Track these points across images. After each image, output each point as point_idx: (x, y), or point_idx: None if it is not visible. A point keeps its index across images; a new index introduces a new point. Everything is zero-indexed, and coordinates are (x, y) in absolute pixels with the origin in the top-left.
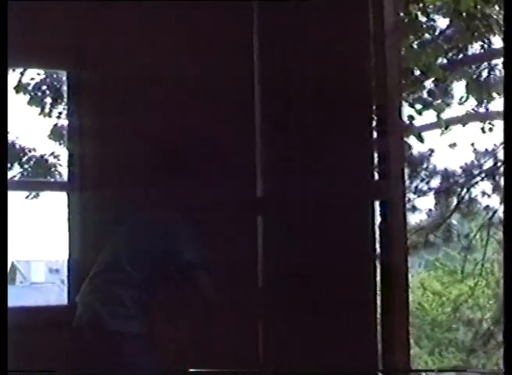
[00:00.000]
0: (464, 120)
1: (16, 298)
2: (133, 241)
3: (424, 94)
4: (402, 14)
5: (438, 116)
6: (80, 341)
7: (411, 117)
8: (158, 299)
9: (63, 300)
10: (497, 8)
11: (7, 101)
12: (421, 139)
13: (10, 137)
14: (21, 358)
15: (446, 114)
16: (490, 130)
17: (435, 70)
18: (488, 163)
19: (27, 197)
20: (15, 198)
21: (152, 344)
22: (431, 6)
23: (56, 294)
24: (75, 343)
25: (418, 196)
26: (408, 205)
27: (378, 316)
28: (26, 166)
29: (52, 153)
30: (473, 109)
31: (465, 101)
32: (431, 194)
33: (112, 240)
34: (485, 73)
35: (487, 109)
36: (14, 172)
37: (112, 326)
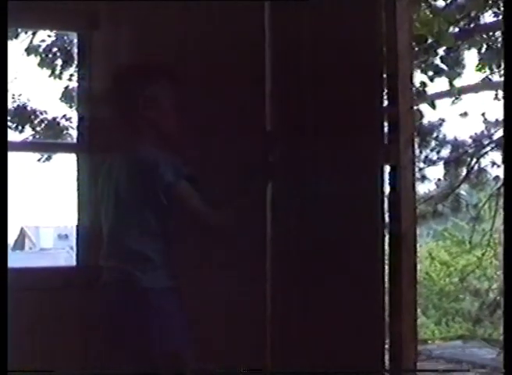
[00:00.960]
0: (476, 89)
1: (25, 263)
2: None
3: (437, 61)
4: None
5: (450, 82)
6: (109, 302)
7: (423, 84)
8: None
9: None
10: None
11: (7, 101)
12: (433, 106)
13: (22, 99)
14: (33, 318)
15: (458, 83)
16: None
17: (447, 38)
18: (499, 133)
19: (39, 160)
20: (27, 160)
21: (181, 296)
22: None
23: (65, 260)
24: (104, 305)
25: (428, 165)
26: (418, 175)
27: (387, 285)
28: (37, 129)
29: (64, 116)
30: (487, 77)
31: (479, 69)
32: (440, 164)
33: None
34: (498, 42)
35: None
36: (26, 134)
37: (143, 283)
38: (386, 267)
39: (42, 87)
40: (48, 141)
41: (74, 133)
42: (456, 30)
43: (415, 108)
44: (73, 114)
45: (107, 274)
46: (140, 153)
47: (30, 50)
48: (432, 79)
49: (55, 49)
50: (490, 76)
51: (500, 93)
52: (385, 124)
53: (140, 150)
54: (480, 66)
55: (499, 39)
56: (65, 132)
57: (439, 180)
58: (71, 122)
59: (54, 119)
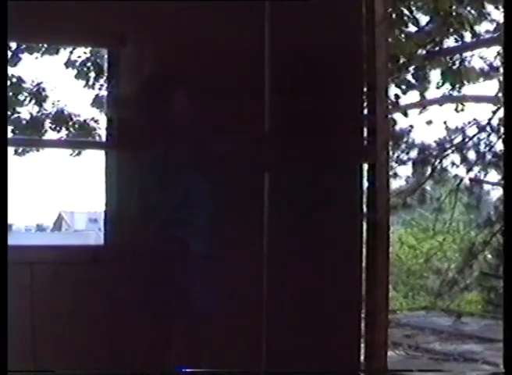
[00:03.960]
0: (440, 101)
1: (62, 242)
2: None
3: (409, 77)
4: (390, 9)
5: (422, 95)
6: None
7: (397, 96)
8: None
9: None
10: (468, 8)
11: (6, 102)
12: (405, 114)
13: (60, 105)
14: (67, 289)
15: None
16: (462, 110)
17: (417, 59)
18: (458, 139)
19: (71, 154)
20: (62, 155)
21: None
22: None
23: (94, 239)
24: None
25: (399, 165)
26: (390, 172)
27: (364, 265)
28: (71, 129)
29: (93, 118)
30: (448, 92)
31: (441, 85)
32: (409, 164)
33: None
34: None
35: (459, 93)
36: (62, 134)
37: (190, 247)
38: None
39: (77, 95)
40: (83, 139)
41: (101, 132)
42: (424, 52)
43: (390, 116)
44: (101, 117)
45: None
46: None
47: (69, 64)
48: (404, 92)
49: (89, 64)
50: (451, 92)
51: (460, 106)
52: (365, 129)
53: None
54: (441, 83)
55: (457, 61)
56: (93, 132)
57: (408, 177)
58: (98, 123)
59: (84, 120)
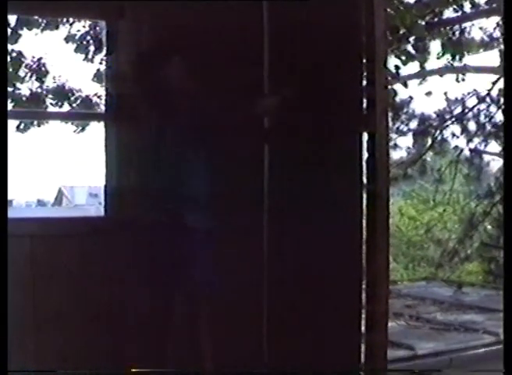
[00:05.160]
0: (440, 72)
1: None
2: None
3: (409, 48)
4: None
5: (421, 66)
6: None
7: (397, 67)
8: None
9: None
10: None
11: (6, 99)
12: (405, 85)
13: (61, 80)
14: (70, 259)
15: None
16: (463, 80)
17: (418, 29)
18: (458, 109)
19: (75, 131)
20: (64, 131)
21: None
22: None
23: (95, 213)
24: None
25: (399, 136)
26: (391, 144)
27: (364, 235)
28: (73, 105)
29: (95, 93)
30: (449, 62)
31: (442, 56)
32: (409, 135)
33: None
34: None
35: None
36: (64, 109)
37: (189, 222)
38: (364, 221)
39: (78, 70)
40: (83, 111)
41: (103, 107)
42: (423, 23)
43: (390, 87)
44: (103, 92)
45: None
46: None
47: (68, 38)
48: (404, 63)
49: (88, 38)
50: (452, 62)
51: (460, 76)
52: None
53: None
54: (441, 53)
55: (457, 32)
56: (96, 107)
57: (409, 148)
58: (101, 99)
59: (87, 96)
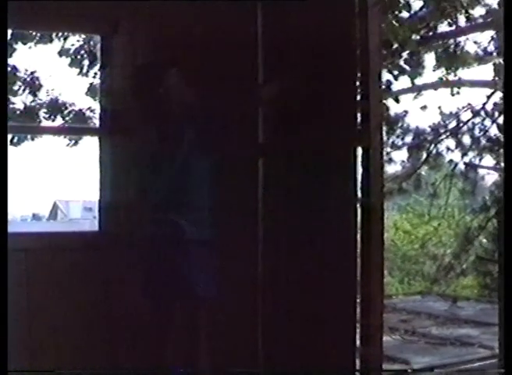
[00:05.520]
0: (434, 86)
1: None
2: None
3: (401, 63)
4: None
5: (412, 81)
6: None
7: (389, 82)
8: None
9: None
10: None
11: (6, 102)
12: (397, 101)
13: (54, 93)
14: (64, 273)
15: (419, 81)
16: (458, 93)
17: (410, 44)
18: (452, 124)
19: (68, 144)
20: (57, 145)
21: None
22: None
23: (89, 227)
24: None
25: (394, 150)
26: (385, 158)
27: (358, 250)
28: (67, 119)
29: (89, 107)
30: (444, 76)
31: (437, 69)
32: (404, 149)
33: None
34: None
35: (455, 76)
36: (57, 123)
37: (188, 234)
38: (358, 235)
39: (72, 84)
40: (77, 125)
41: (97, 122)
42: (418, 37)
43: (383, 102)
44: (97, 106)
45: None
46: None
47: (63, 52)
48: (396, 78)
49: (82, 52)
50: (446, 76)
51: (455, 90)
52: (358, 114)
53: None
54: (436, 66)
55: (452, 45)
56: (89, 121)
57: (403, 162)
58: (94, 113)
59: (80, 110)
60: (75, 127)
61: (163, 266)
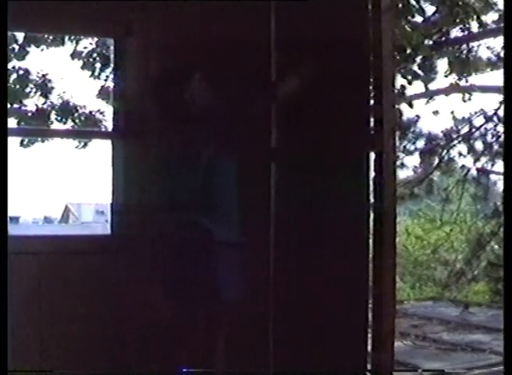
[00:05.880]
0: (446, 91)
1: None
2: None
3: (415, 68)
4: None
5: (426, 86)
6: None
7: (403, 87)
8: None
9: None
10: None
11: (6, 100)
12: (410, 105)
13: (66, 96)
14: (76, 279)
15: (432, 86)
16: (469, 99)
17: (423, 49)
18: (465, 129)
19: (77, 146)
20: (68, 148)
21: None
22: None
23: (101, 231)
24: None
25: (406, 155)
26: (398, 163)
27: (371, 255)
28: (77, 121)
29: (99, 110)
30: (455, 82)
31: (449, 74)
32: (416, 154)
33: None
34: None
35: (467, 82)
36: (67, 125)
37: (216, 236)
38: (370, 240)
39: (83, 86)
40: (90, 129)
41: (107, 124)
42: (431, 42)
43: (396, 107)
44: (107, 109)
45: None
46: None
47: (75, 55)
48: (410, 83)
49: (94, 54)
50: (458, 81)
51: (467, 95)
52: (372, 119)
53: None
54: (448, 72)
55: (465, 51)
56: (100, 124)
57: (415, 167)
58: (104, 115)
59: (90, 112)
60: (88, 131)
61: (180, 267)
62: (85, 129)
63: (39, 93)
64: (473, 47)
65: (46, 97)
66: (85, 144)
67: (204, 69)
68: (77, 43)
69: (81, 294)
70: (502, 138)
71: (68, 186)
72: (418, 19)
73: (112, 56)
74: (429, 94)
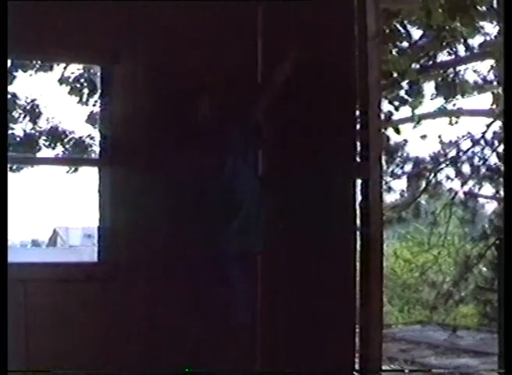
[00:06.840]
0: (433, 115)
1: (57, 257)
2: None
3: (401, 93)
4: (383, 25)
5: (412, 111)
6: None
7: (390, 112)
8: None
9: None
10: (459, 24)
11: (6, 103)
12: (397, 131)
13: (54, 122)
14: (62, 306)
15: (419, 110)
16: (456, 122)
17: (410, 73)
18: (452, 153)
19: (68, 171)
20: (57, 172)
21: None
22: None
23: (89, 255)
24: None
25: (393, 179)
26: (385, 186)
27: (357, 278)
28: (67, 146)
29: (88, 135)
30: (442, 105)
31: (435, 97)
32: (404, 178)
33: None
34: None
35: (454, 105)
36: (57, 150)
37: (238, 245)
38: (357, 264)
39: (71, 112)
40: (76, 156)
41: (96, 149)
42: (418, 66)
43: (383, 132)
44: (96, 134)
45: None
46: None
47: (62, 80)
48: (397, 108)
49: (82, 80)
50: (445, 105)
51: (454, 119)
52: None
53: None
54: (435, 95)
55: (451, 74)
56: (89, 149)
57: (403, 191)
58: (94, 140)
59: (80, 138)
60: (75, 158)
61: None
62: (72, 157)
63: (27, 118)
64: (460, 70)
65: (34, 122)
66: (76, 170)
67: (193, 94)
68: (65, 68)
69: (69, 321)
70: (489, 161)
71: (56, 209)
72: (405, 43)
73: (98, 83)
74: (417, 119)
